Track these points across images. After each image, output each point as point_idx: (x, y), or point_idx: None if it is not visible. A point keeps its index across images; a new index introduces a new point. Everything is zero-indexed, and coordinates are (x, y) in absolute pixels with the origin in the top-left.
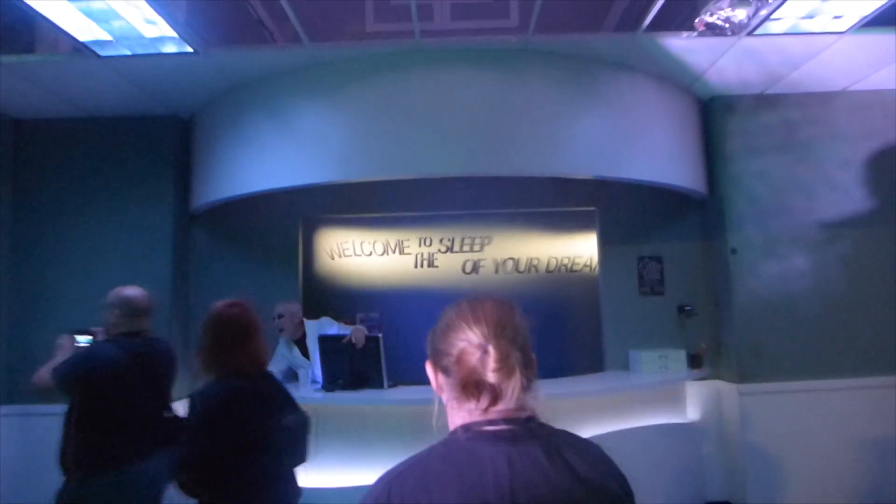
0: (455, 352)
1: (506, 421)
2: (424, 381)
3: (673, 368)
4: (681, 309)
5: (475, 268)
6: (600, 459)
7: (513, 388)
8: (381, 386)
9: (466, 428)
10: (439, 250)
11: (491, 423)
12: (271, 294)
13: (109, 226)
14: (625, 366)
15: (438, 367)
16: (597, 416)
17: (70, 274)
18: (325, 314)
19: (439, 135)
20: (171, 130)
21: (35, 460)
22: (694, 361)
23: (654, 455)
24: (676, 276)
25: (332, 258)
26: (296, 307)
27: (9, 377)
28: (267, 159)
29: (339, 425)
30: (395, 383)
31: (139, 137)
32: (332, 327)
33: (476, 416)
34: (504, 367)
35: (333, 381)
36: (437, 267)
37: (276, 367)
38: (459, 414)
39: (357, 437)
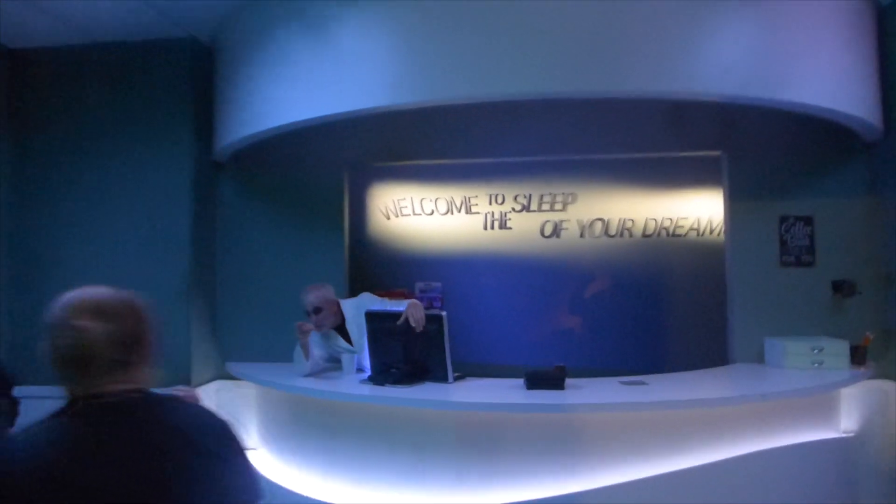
0: (54, 331)
1: (98, 395)
2: (497, 371)
3: (829, 364)
4: (837, 285)
5: (556, 230)
6: (201, 417)
7: (100, 364)
8: (444, 379)
9: (68, 400)
10: (513, 209)
11: (88, 396)
12: (313, 260)
13: (119, 175)
14: (758, 356)
15: (48, 344)
16: (717, 432)
17: (74, 233)
18: (377, 283)
19: (520, 42)
20: (190, 57)
21: None
22: (856, 356)
23: (794, 485)
24: (832, 243)
25: (388, 217)
26: (330, 292)
27: (10, 354)
28: (301, 84)
29: (391, 430)
30: (461, 375)
31: (153, 67)
32: (373, 305)
33: (76, 391)
34: (87, 345)
35: (384, 371)
36: (510, 229)
37: (316, 352)
38: (65, 388)
39: (413, 446)
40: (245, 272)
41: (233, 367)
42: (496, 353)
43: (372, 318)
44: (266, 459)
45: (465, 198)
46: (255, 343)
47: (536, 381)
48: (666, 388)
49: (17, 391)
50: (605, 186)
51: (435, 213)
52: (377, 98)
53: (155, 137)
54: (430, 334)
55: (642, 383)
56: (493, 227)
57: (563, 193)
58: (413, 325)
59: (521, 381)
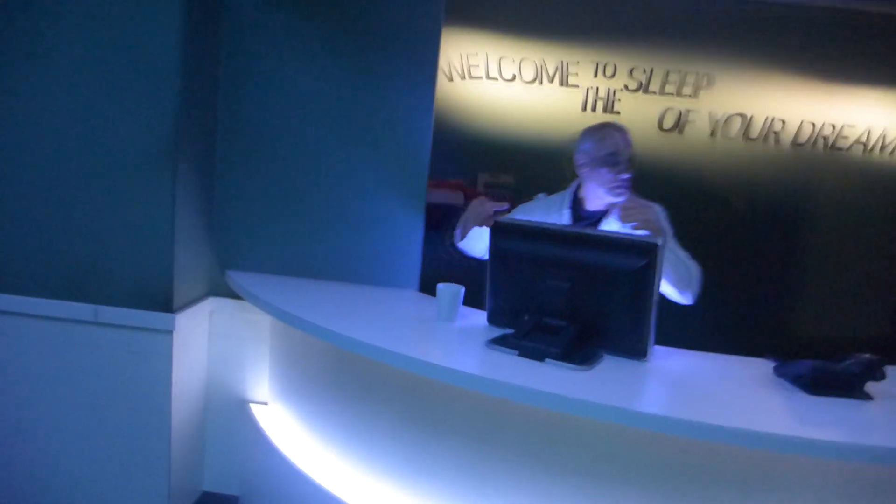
0: None
1: None
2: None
3: None
4: None
5: (679, 123)
6: None
7: None
8: (639, 352)
9: None
10: (626, 87)
11: None
12: (368, 120)
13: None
14: None
15: None
16: None
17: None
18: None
19: None
20: None
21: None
22: None
23: None
24: None
25: (450, 78)
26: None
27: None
28: None
29: (526, 437)
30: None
31: None
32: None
33: None
34: None
35: (529, 325)
36: (617, 113)
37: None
38: None
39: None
40: (259, 128)
41: (237, 279)
42: None
43: (506, 230)
44: (278, 418)
45: (561, 63)
46: (271, 243)
47: (823, 383)
48: None
49: None
50: (756, 70)
51: (517, 79)
52: None
53: None
54: (625, 275)
55: None
56: (594, 109)
57: (697, 74)
58: (640, 228)
59: (762, 362)
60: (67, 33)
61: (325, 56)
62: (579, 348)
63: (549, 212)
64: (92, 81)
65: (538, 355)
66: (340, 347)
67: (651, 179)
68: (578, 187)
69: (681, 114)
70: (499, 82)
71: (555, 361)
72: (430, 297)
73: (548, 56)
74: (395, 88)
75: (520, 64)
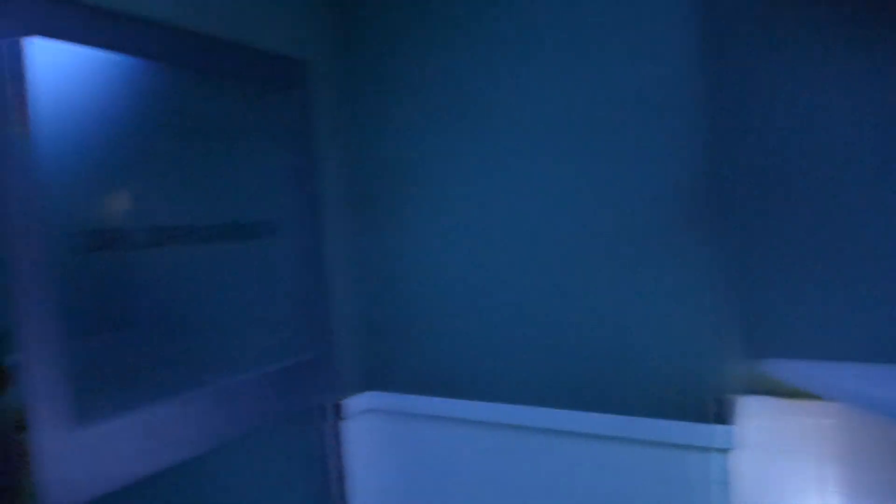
0: None
1: None
2: None
3: None
4: None
5: None
6: None
7: None
8: None
9: None
10: None
11: None
12: None
13: None
14: None
15: None
16: None
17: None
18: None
19: None
20: None
21: None
22: None
23: None
24: None
25: None
26: None
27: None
28: None
29: None
30: None
31: None
32: None
33: None
34: None
35: None
36: None
37: None
38: None
39: None
40: (769, 154)
41: (797, 370)
42: None
43: None
44: None
45: None
46: (821, 319)
47: None
48: None
49: None
50: None
51: None
52: None
53: None
54: None
55: None
56: None
57: None
58: None
59: None
60: (562, 79)
61: (844, 52)
62: None
63: None
64: (600, 131)
65: None
66: None
67: None
68: None
69: None
70: None
71: None
72: None
73: None
74: None
75: None
